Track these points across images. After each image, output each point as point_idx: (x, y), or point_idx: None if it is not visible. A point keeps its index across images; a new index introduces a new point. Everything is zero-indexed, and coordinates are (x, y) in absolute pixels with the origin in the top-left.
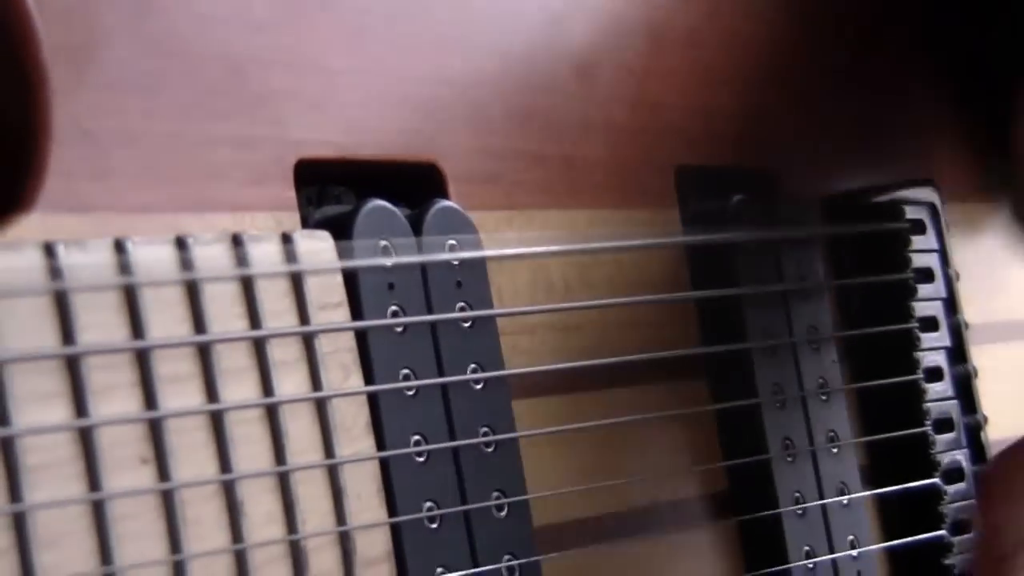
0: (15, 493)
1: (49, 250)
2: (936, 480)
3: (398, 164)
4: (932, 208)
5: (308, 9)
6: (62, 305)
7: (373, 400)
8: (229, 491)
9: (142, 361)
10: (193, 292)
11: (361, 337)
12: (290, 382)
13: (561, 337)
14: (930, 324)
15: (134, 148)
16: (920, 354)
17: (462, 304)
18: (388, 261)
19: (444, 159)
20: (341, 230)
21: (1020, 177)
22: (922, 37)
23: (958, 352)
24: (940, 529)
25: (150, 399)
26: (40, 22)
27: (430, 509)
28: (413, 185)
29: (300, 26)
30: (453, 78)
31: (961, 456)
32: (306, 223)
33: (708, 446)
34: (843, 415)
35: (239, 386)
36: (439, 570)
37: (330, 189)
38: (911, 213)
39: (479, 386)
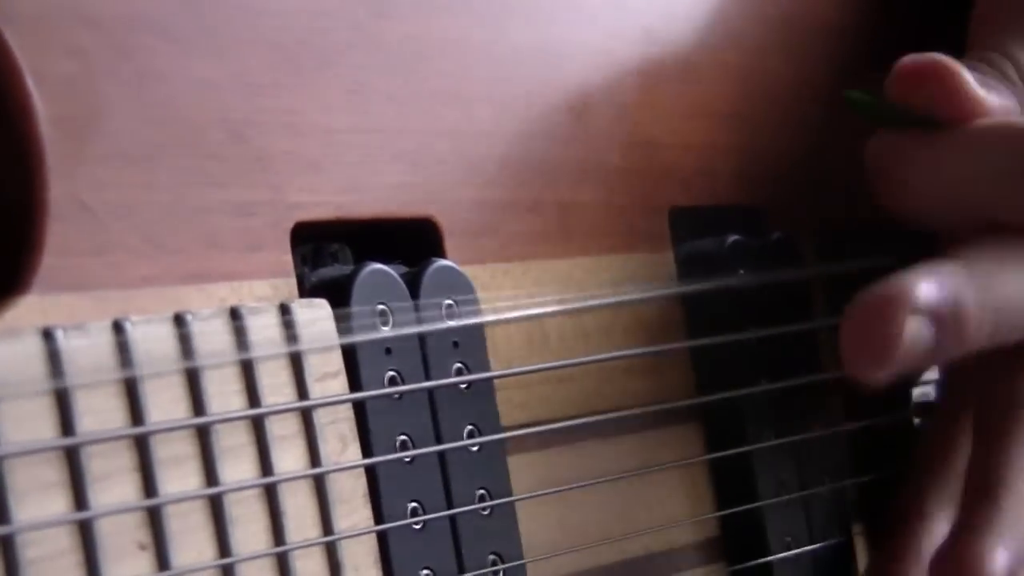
0: None
1: (48, 335)
2: None
3: (395, 221)
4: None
5: (306, 69)
6: (61, 393)
7: (371, 470)
8: (228, 574)
9: (141, 446)
10: (192, 371)
11: (358, 405)
12: (289, 457)
13: (555, 388)
14: None
15: (133, 220)
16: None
17: (459, 365)
18: (386, 332)
19: (440, 213)
20: (338, 293)
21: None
22: None
23: None
24: None
25: (149, 484)
26: (38, 96)
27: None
28: (410, 240)
29: (298, 87)
30: (449, 130)
31: None
32: (302, 284)
33: (702, 492)
34: (837, 456)
35: (238, 464)
36: None
37: (326, 247)
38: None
39: (476, 448)
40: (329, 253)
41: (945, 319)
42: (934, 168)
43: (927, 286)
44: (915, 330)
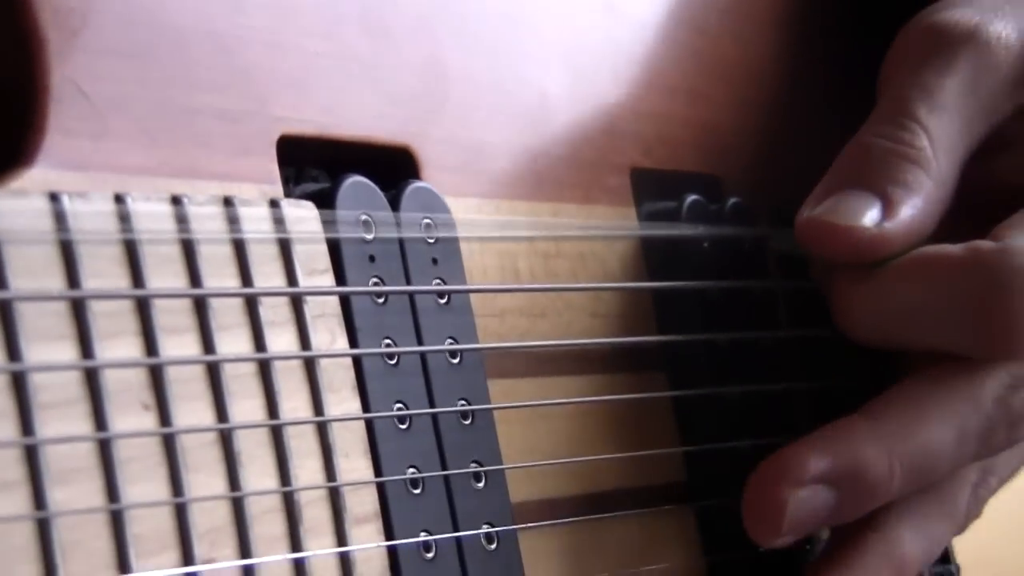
0: (27, 428)
1: (54, 198)
2: None
3: (374, 147)
4: None
5: None
6: (68, 252)
7: (358, 365)
8: (227, 441)
9: (143, 311)
10: (189, 249)
11: (345, 305)
12: (281, 341)
13: (527, 323)
14: None
15: (127, 112)
16: None
17: (438, 280)
18: (369, 232)
19: (418, 145)
20: (322, 204)
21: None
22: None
23: None
24: None
25: (151, 348)
26: None
27: (412, 474)
28: (387, 170)
29: (281, 8)
30: (420, 68)
31: None
32: (288, 198)
33: (668, 434)
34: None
35: (234, 342)
36: (423, 534)
37: (307, 171)
38: None
39: (456, 359)
40: (310, 177)
41: (843, 482)
42: (860, 305)
43: (815, 459)
44: (806, 499)
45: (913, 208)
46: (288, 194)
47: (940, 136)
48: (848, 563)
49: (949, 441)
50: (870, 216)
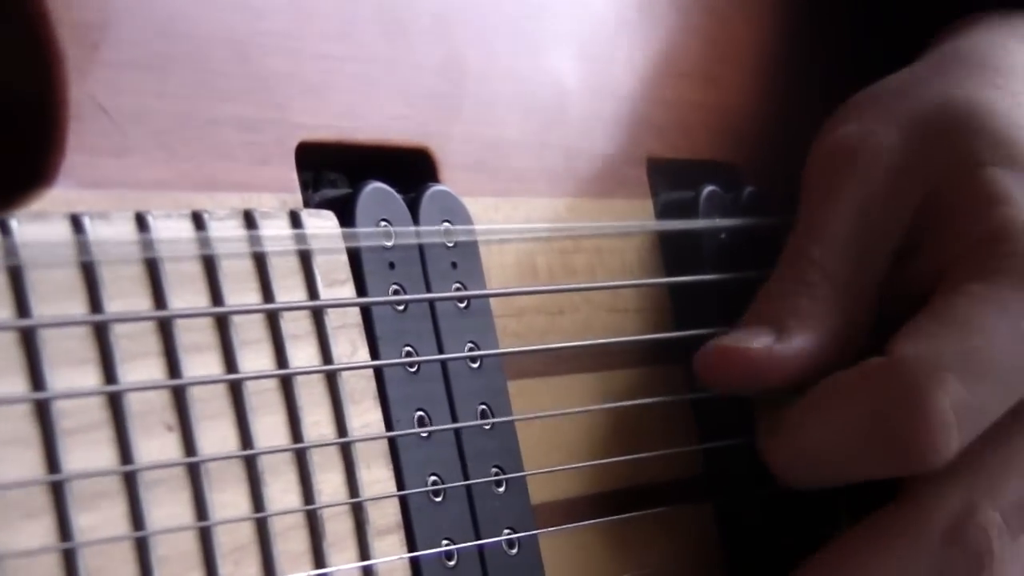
0: (51, 454)
1: (75, 221)
2: None
3: (392, 150)
4: None
5: None
6: (89, 275)
7: (379, 374)
8: (250, 461)
9: (165, 331)
10: (211, 266)
11: (366, 314)
12: (302, 355)
13: (546, 321)
14: None
15: (147, 126)
16: None
17: (457, 284)
18: (388, 239)
19: (436, 146)
20: (342, 211)
21: None
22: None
23: None
24: None
25: (174, 368)
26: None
27: (434, 483)
28: (406, 172)
29: (297, 13)
30: (439, 67)
31: None
32: (307, 205)
33: (687, 430)
34: None
35: (256, 358)
36: (444, 542)
37: (325, 175)
38: None
39: (476, 364)
40: (328, 181)
41: None
42: (781, 451)
43: None
44: None
45: (806, 332)
46: (307, 201)
47: (834, 268)
48: None
49: None
50: (763, 340)
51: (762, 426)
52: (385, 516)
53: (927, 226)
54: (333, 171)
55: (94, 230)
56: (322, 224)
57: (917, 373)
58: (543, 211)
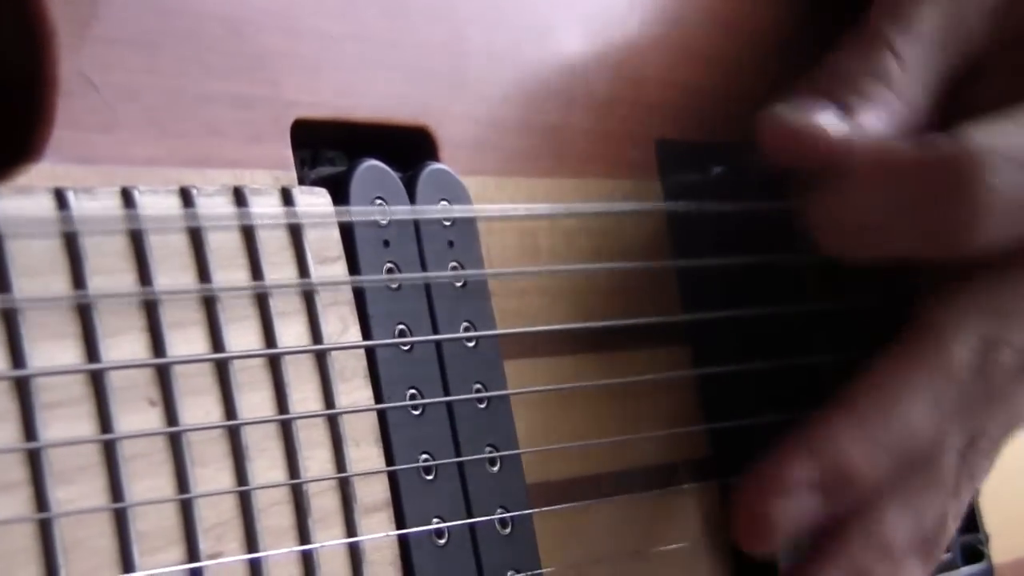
0: (30, 428)
1: (59, 195)
2: None
3: (391, 128)
4: None
5: None
6: (73, 250)
7: (370, 353)
8: (235, 436)
9: (150, 307)
10: (197, 241)
11: (358, 292)
12: (291, 332)
13: (547, 302)
14: None
15: (138, 102)
16: None
17: (454, 264)
18: (383, 218)
19: (436, 125)
20: (337, 189)
21: None
22: None
23: None
24: None
25: (158, 344)
26: None
27: (425, 461)
28: (405, 150)
29: None
30: (441, 45)
31: None
32: (302, 183)
33: (691, 410)
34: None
35: (242, 334)
36: (435, 520)
37: (323, 152)
38: None
39: (471, 344)
40: (327, 159)
41: (829, 484)
42: (828, 217)
43: (799, 467)
44: (793, 507)
45: (873, 117)
46: (303, 179)
47: (911, 59)
48: (831, 556)
49: (927, 419)
50: (826, 118)
51: (812, 191)
52: (373, 493)
53: (1005, 49)
54: (332, 149)
55: (79, 205)
56: (314, 201)
57: (976, 155)
58: (546, 191)
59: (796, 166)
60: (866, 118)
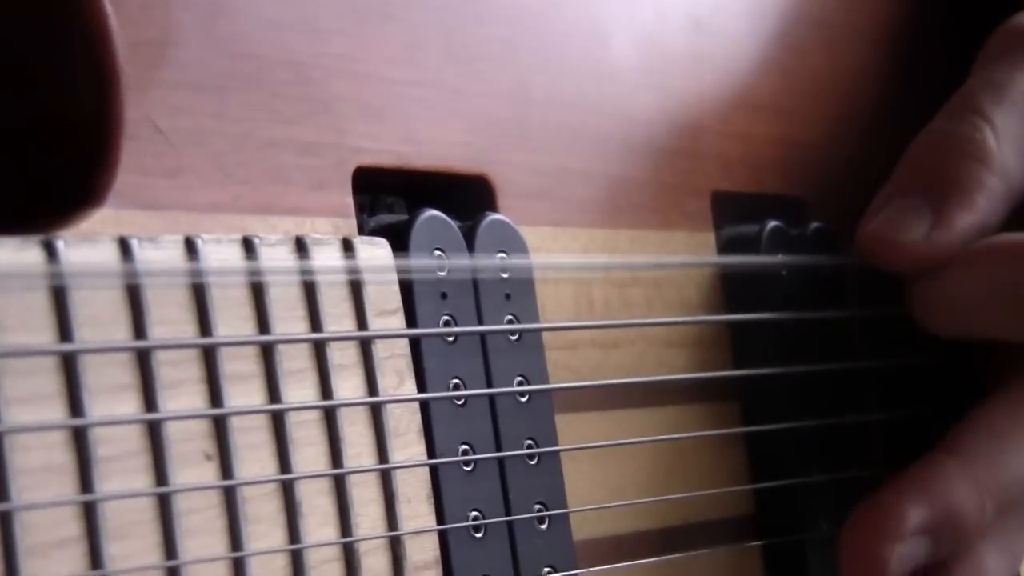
0: (87, 483)
1: (124, 244)
2: None
3: (451, 176)
4: None
5: (370, 20)
6: (135, 300)
7: (424, 407)
8: (288, 491)
9: (209, 358)
10: (258, 292)
11: (414, 345)
12: (348, 386)
13: (600, 354)
14: None
15: (203, 147)
16: None
17: (510, 316)
18: (442, 269)
19: (495, 173)
20: (396, 238)
21: None
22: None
23: None
24: None
25: (216, 396)
26: (115, 17)
27: (475, 519)
28: (464, 198)
29: (361, 36)
30: (505, 93)
31: None
32: (362, 230)
33: (739, 468)
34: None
35: (300, 388)
36: None
37: (383, 198)
38: None
39: (524, 399)
40: (386, 205)
41: (941, 529)
42: (931, 296)
43: (913, 511)
44: (907, 553)
45: (968, 210)
46: (362, 226)
47: (1005, 128)
48: None
49: None
50: (918, 229)
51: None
52: (423, 551)
53: None
54: (391, 195)
55: (142, 253)
56: (375, 253)
57: None
58: (602, 242)
59: (892, 269)
60: (961, 215)
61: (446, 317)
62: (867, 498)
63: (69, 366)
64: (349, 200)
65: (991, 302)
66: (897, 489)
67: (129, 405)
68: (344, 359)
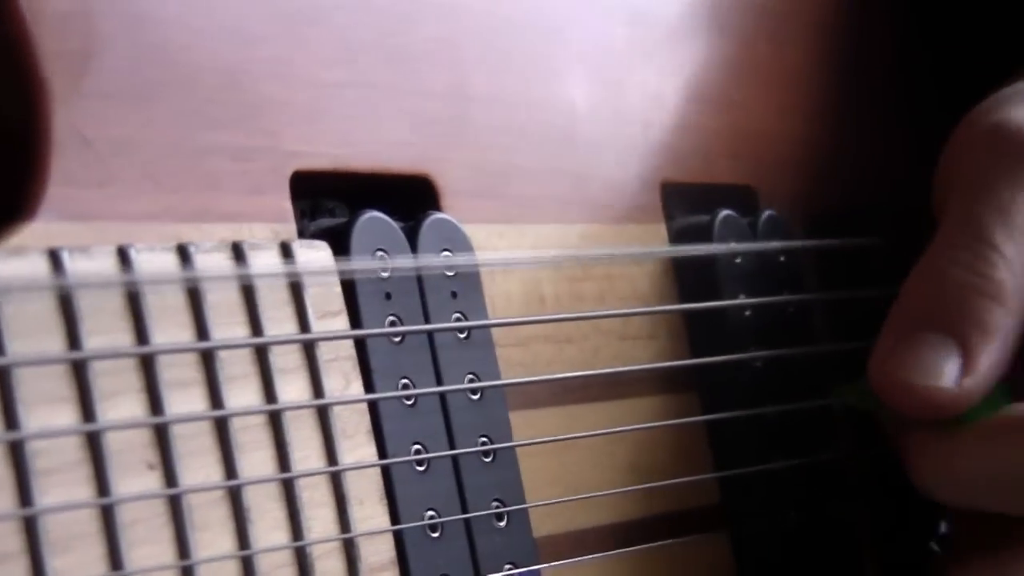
0: (26, 496)
1: (54, 256)
2: None
3: (392, 177)
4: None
5: (300, 23)
6: (68, 310)
7: (373, 408)
8: (236, 498)
9: (147, 367)
10: (196, 299)
11: (360, 346)
12: (292, 389)
13: (553, 349)
14: None
15: (133, 157)
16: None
17: (457, 314)
18: (385, 270)
19: (437, 172)
20: (337, 241)
21: None
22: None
23: None
24: None
25: (156, 405)
26: (37, 29)
27: (431, 517)
28: (407, 199)
29: (293, 40)
30: (444, 92)
31: None
32: (302, 235)
33: (701, 458)
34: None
35: (243, 393)
36: None
37: (324, 202)
38: (892, 229)
39: (476, 396)
40: (327, 209)
41: None
42: (939, 465)
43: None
44: None
45: (993, 355)
46: (303, 230)
47: (1016, 261)
48: None
49: None
50: (949, 372)
51: (921, 430)
52: (379, 553)
53: None
54: (333, 199)
55: (73, 264)
56: (314, 256)
57: None
58: (551, 238)
59: (914, 416)
60: (985, 360)
61: (392, 317)
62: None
63: (3, 379)
64: (287, 205)
65: (1008, 479)
66: None
67: (67, 416)
68: (287, 363)
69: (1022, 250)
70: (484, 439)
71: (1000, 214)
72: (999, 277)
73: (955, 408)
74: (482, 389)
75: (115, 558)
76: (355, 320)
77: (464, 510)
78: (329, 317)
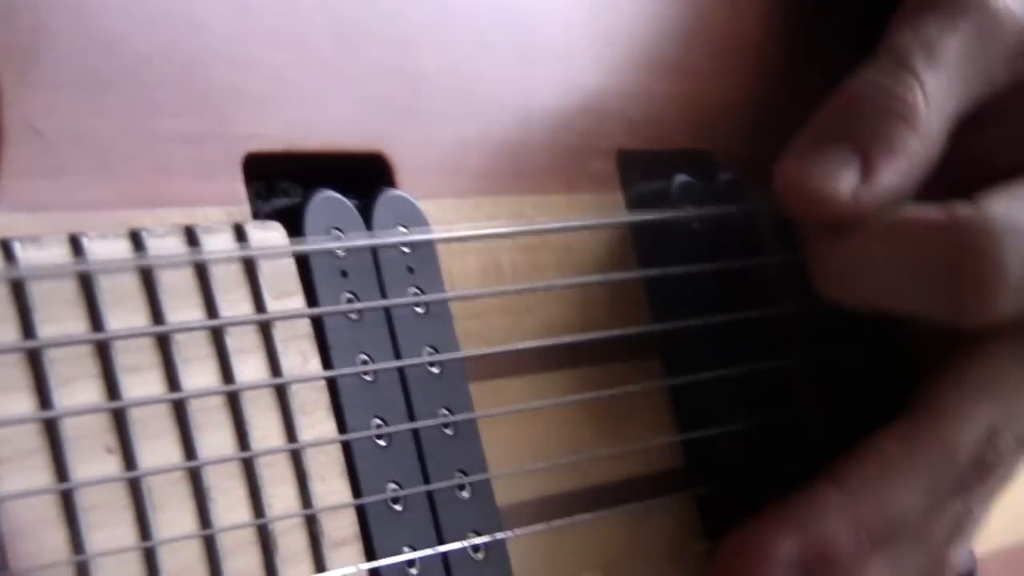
0: None
1: (5, 247)
2: None
3: (345, 156)
4: None
5: (248, 7)
6: (21, 299)
7: (332, 385)
8: (196, 478)
9: (103, 353)
10: (149, 283)
11: (317, 324)
12: (249, 369)
13: (512, 320)
14: None
15: (84, 146)
16: None
17: (414, 289)
18: (339, 246)
19: (390, 149)
20: (292, 221)
21: None
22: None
23: None
24: None
25: (112, 390)
26: None
27: (394, 491)
28: (361, 177)
29: (240, 24)
30: (394, 69)
31: None
32: (257, 217)
33: (664, 422)
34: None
35: (199, 375)
36: (405, 549)
37: (278, 183)
38: None
39: (435, 369)
40: (281, 190)
41: (813, 562)
42: (835, 266)
43: (784, 542)
44: None
45: (894, 172)
46: (256, 212)
47: (935, 93)
48: None
49: (920, 504)
50: (847, 180)
51: (820, 233)
52: (341, 528)
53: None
54: (286, 180)
55: (25, 254)
56: (268, 236)
57: (1000, 230)
58: (507, 209)
59: (810, 220)
60: (886, 175)
61: (348, 295)
62: (743, 525)
63: None
64: (240, 187)
65: (897, 276)
66: (773, 518)
67: (24, 404)
68: (244, 344)
69: (942, 84)
70: (445, 411)
71: (925, 47)
72: (913, 101)
73: (849, 216)
74: (441, 362)
75: (76, 542)
76: (311, 299)
77: (426, 482)
78: (285, 297)
